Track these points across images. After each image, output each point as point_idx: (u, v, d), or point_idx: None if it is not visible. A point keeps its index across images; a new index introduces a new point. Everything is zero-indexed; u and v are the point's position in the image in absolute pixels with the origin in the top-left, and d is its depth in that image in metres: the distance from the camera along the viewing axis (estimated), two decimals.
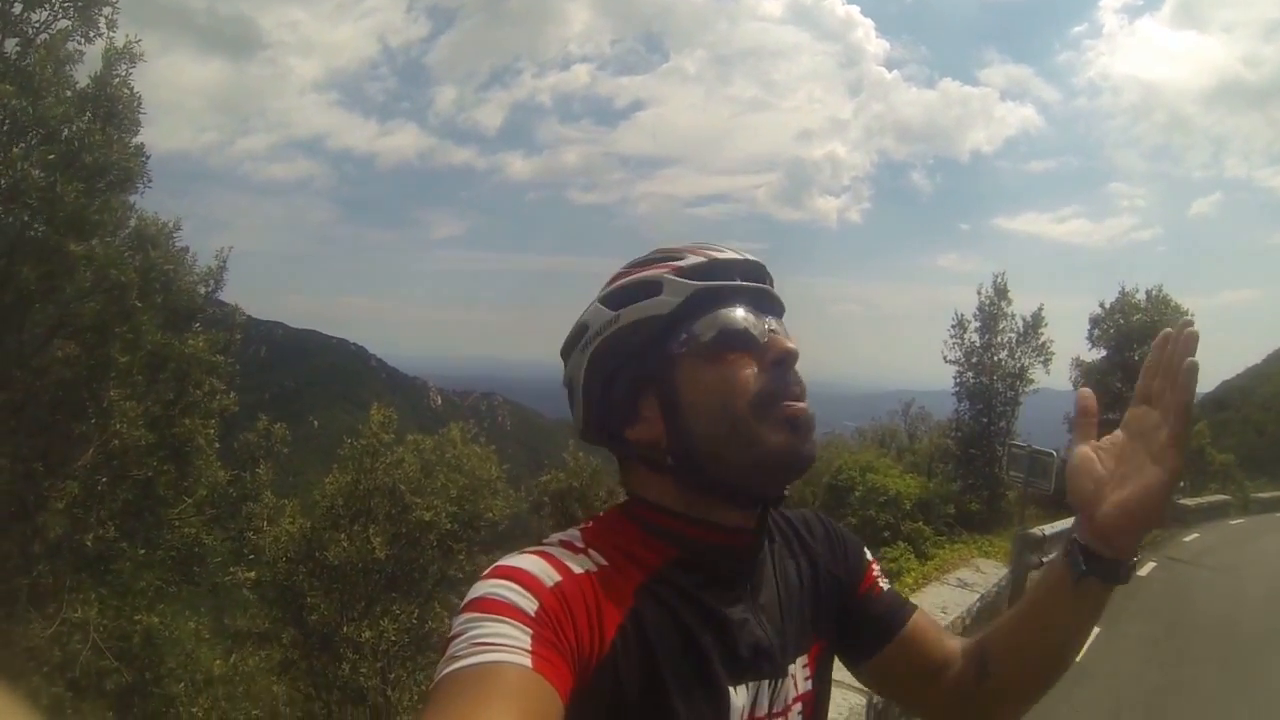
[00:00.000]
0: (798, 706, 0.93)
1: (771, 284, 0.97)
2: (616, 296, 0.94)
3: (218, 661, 8.87)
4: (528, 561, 0.82)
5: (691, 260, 0.93)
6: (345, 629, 9.76)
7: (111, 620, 7.72)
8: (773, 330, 0.91)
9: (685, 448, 0.89)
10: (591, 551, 0.87)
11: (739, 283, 0.92)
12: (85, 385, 7.81)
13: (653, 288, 0.92)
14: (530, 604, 0.76)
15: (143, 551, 8.28)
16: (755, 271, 0.95)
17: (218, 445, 9.35)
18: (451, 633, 0.74)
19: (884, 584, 1.09)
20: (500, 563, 0.83)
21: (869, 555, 1.11)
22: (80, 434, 7.88)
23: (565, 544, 0.88)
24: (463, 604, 0.78)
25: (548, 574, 0.80)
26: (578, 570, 0.83)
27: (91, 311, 7.78)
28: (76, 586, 7.62)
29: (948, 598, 7.01)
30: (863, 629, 1.03)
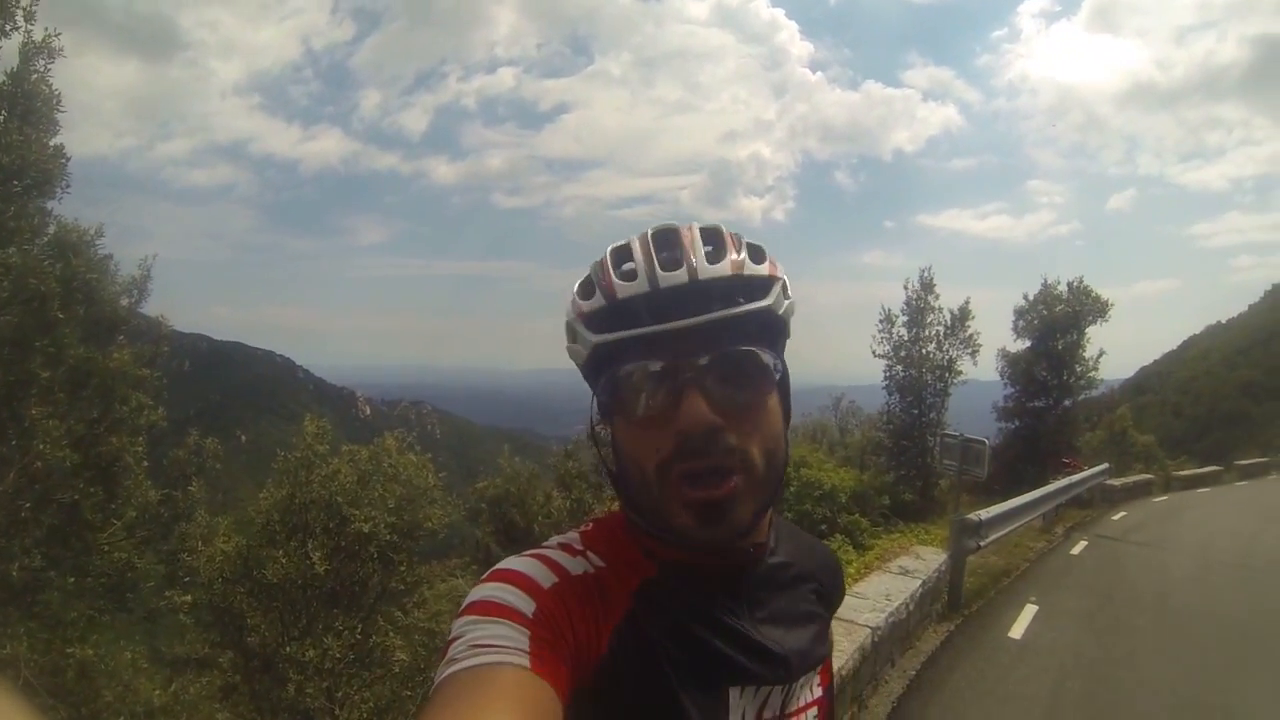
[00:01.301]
0: (811, 712, 0.95)
1: (718, 299, 0.82)
2: (566, 326, 0.92)
3: (158, 691, 8.40)
4: (525, 564, 0.83)
5: (594, 303, 0.86)
6: (287, 649, 9.43)
7: (42, 654, 7.23)
8: (689, 384, 0.81)
9: (625, 490, 0.89)
10: (590, 554, 0.88)
11: (645, 330, 0.82)
12: (4, 404, 7.32)
13: (571, 332, 0.89)
14: (528, 606, 0.76)
15: (72, 580, 7.77)
16: (669, 302, 0.82)
17: (146, 463, 8.96)
18: (450, 635, 0.75)
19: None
20: (498, 566, 0.83)
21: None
22: (0, 456, 7.45)
23: (564, 546, 0.89)
24: (461, 607, 0.78)
25: (545, 576, 0.81)
26: (575, 572, 0.84)
27: (10, 324, 7.29)
28: (3, 621, 7.15)
29: (890, 585, 7.15)
30: None
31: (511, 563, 0.84)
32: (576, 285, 0.90)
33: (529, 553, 0.86)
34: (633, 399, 0.84)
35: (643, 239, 0.87)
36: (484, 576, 0.82)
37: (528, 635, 0.73)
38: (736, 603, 0.90)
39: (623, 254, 0.87)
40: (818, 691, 0.97)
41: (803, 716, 0.93)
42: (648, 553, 0.89)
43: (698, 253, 0.84)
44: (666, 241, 0.86)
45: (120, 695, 7.92)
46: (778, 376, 0.88)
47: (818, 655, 0.97)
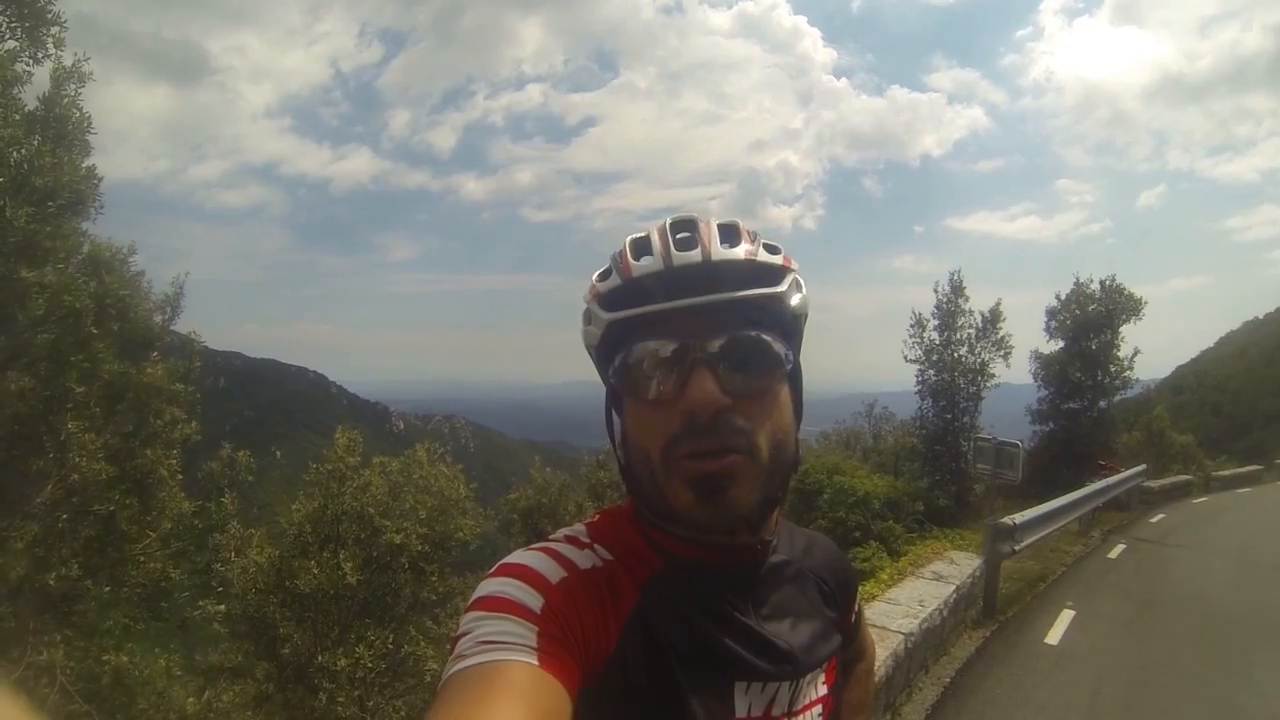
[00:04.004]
0: (817, 709, 0.93)
1: (730, 281, 0.83)
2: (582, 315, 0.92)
3: (191, 699, 8.55)
4: (533, 558, 0.82)
5: (609, 283, 0.87)
6: (320, 659, 9.54)
7: (79, 662, 7.41)
8: (697, 363, 0.80)
9: (625, 476, 0.89)
10: (597, 547, 0.87)
11: (657, 307, 0.82)
12: (41, 419, 7.51)
13: (586, 315, 0.89)
14: (536, 601, 0.76)
15: (108, 589, 7.96)
16: (682, 280, 0.82)
17: (180, 476, 9.10)
18: (458, 631, 0.74)
19: (853, 623, 1.13)
20: (506, 560, 0.83)
21: (858, 596, 1.15)
22: (38, 470, 7.56)
23: (571, 539, 0.88)
24: (469, 602, 0.77)
25: (553, 571, 0.80)
26: (583, 566, 0.83)
27: (46, 342, 7.49)
28: (40, 628, 7.30)
29: (924, 591, 7.05)
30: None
31: (519, 557, 0.83)
32: (595, 274, 0.91)
33: (536, 546, 0.86)
34: (643, 379, 0.83)
35: (660, 226, 0.88)
36: (491, 570, 0.82)
37: (535, 631, 0.73)
38: (742, 599, 0.89)
39: (641, 240, 0.87)
40: (823, 689, 0.95)
41: (809, 714, 0.92)
42: (654, 546, 0.88)
43: (713, 237, 0.84)
44: (683, 227, 0.86)
45: (154, 702, 8.08)
46: (788, 368, 0.87)
47: (824, 652, 0.96)
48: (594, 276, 0.91)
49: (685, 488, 0.80)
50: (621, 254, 0.87)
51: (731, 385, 0.81)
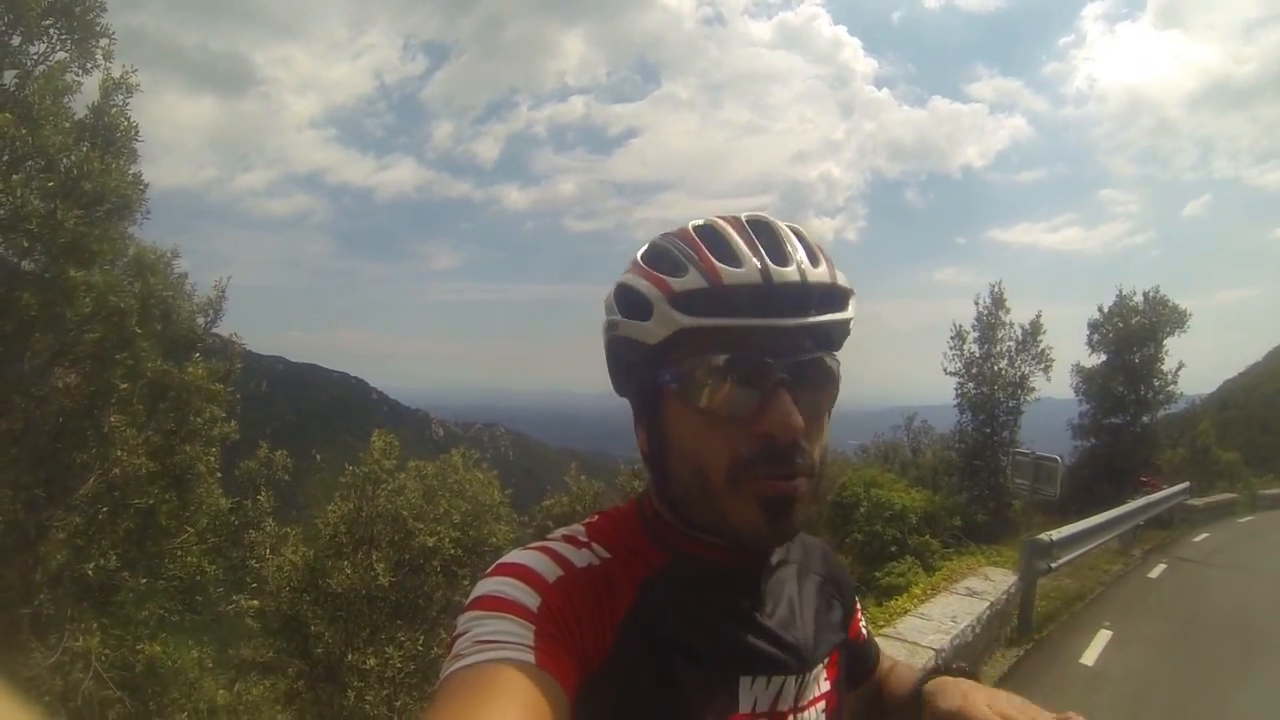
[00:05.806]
0: (820, 705, 0.92)
1: (816, 303, 0.79)
2: (620, 298, 0.86)
3: (221, 691, 8.75)
4: (530, 557, 0.82)
5: (689, 282, 0.79)
6: (350, 657, 9.67)
7: (113, 650, 7.66)
8: (780, 386, 0.77)
9: (660, 481, 0.86)
10: (595, 545, 0.86)
11: (741, 323, 0.77)
12: (86, 414, 7.80)
13: (643, 308, 0.81)
14: (533, 600, 0.75)
15: (144, 581, 8.24)
16: (779, 298, 0.78)
17: (219, 474, 9.30)
18: (456, 631, 0.74)
19: (865, 630, 1.12)
20: (503, 560, 0.82)
21: (857, 601, 1.13)
22: (81, 463, 7.83)
23: (568, 539, 0.87)
24: (467, 602, 0.77)
25: (549, 569, 0.80)
26: (580, 565, 0.83)
27: (92, 340, 7.80)
28: (78, 616, 7.56)
29: (957, 607, 6.91)
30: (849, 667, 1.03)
31: (516, 556, 0.83)
32: (643, 257, 0.86)
33: (533, 545, 0.86)
34: (710, 392, 0.79)
35: (737, 225, 0.83)
36: (488, 570, 0.81)
37: (533, 630, 0.72)
38: (748, 595, 0.88)
39: (716, 238, 0.82)
40: (826, 685, 0.95)
41: (814, 709, 0.91)
42: (662, 545, 0.87)
43: (799, 252, 0.81)
44: (764, 231, 0.82)
45: (185, 693, 8.31)
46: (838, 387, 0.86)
47: (828, 647, 0.95)
48: (649, 265, 0.84)
49: (754, 507, 0.78)
50: (698, 251, 0.81)
51: (803, 408, 0.78)
